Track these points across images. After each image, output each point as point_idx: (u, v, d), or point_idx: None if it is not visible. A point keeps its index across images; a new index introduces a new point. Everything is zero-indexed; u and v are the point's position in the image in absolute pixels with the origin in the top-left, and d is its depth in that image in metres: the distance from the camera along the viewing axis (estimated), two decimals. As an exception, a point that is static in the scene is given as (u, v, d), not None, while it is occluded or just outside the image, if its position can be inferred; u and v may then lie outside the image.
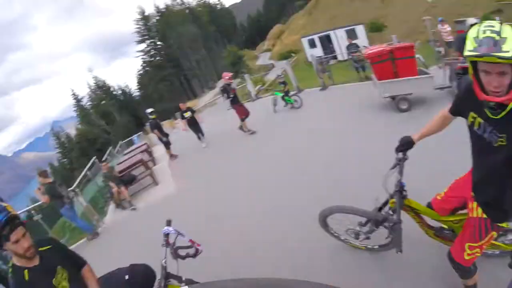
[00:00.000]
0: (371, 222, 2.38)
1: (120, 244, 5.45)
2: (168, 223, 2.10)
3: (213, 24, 66.71)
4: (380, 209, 2.28)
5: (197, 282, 1.97)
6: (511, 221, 1.72)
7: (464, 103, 1.63)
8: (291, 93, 9.81)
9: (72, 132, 57.37)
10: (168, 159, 9.60)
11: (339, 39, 23.33)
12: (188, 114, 8.95)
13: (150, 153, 10.50)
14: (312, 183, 4.51)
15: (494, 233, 1.73)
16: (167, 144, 9.52)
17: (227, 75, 8.22)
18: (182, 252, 2.02)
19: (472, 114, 1.56)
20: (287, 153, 6.16)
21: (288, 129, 7.96)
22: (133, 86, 66.81)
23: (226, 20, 72.75)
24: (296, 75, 12.19)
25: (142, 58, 61.03)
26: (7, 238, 1.61)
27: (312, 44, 26.17)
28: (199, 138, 9.16)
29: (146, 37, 60.12)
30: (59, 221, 15.66)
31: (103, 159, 9.55)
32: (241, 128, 8.39)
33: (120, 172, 7.70)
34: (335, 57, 20.30)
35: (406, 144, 1.98)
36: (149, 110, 9.75)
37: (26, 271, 1.73)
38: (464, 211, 1.95)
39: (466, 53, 1.30)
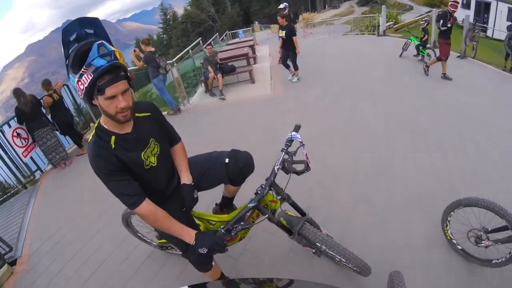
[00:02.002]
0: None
1: (199, 127, 5.39)
2: (297, 128, 1.72)
3: None
4: None
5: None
6: None
7: None
8: (428, 45, 8.19)
9: (180, 12, 59.61)
10: (270, 61, 9.03)
11: (499, 13, 18.50)
12: (282, 34, 6.66)
13: (254, 51, 10.00)
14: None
15: None
16: None
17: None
18: (290, 166, 1.64)
19: None
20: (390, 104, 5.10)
21: (407, 79, 6.68)
22: (252, -20, 63.83)
23: None
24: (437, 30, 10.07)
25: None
26: (102, 90, 1.23)
27: (466, 4, 21.38)
28: (287, 67, 7.14)
29: None
30: (142, 89, 17.03)
31: (207, 43, 9.39)
32: (427, 67, 6.86)
33: (221, 59, 7.48)
34: (484, 30, 16.54)
35: None
36: (282, 5, 8.34)
37: (113, 137, 1.41)
38: None
39: None
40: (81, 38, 1.27)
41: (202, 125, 5.45)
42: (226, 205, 2.16)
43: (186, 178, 1.72)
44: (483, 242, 1.98)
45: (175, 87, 6.80)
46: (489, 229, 1.97)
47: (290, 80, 7.00)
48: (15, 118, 5.05)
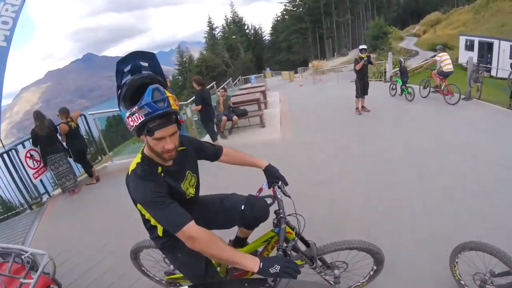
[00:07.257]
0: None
1: (207, 167, 5.42)
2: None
3: (368, -9, 62.27)
4: None
5: None
6: None
7: None
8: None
9: (196, 55, 62.87)
10: (280, 106, 9.39)
11: (502, 52, 19.04)
12: None
13: (265, 96, 10.49)
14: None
15: None
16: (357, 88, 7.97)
17: None
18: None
19: None
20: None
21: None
22: (266, 30, 68.49)
23: (383, -9, 66.09)
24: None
25: (285, 5, 61.61)
26: (151, 132, 1.26)
27: (469, 46, 22.30)
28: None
29: (295, -15, 59.28)
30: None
31: (221, 87, 9.89)
32: None
33: (234, 103, 7.87)
34: (488, 70, 16.63)
35: None
36: (363, 46, 8.45)
37: (160, 167, 1.45)
38: None
39: None
40: (135, 69, 1.31)
41: (211, 165, 5.57)
42: (239, 244, 2.13)
43: (261, 162, 1.85)
44: (487, 286, 1.94)
45: (187, 127, 7.07)
46: (496, 273, 1.92)
47: None
48: (30, 140, 5.24)
